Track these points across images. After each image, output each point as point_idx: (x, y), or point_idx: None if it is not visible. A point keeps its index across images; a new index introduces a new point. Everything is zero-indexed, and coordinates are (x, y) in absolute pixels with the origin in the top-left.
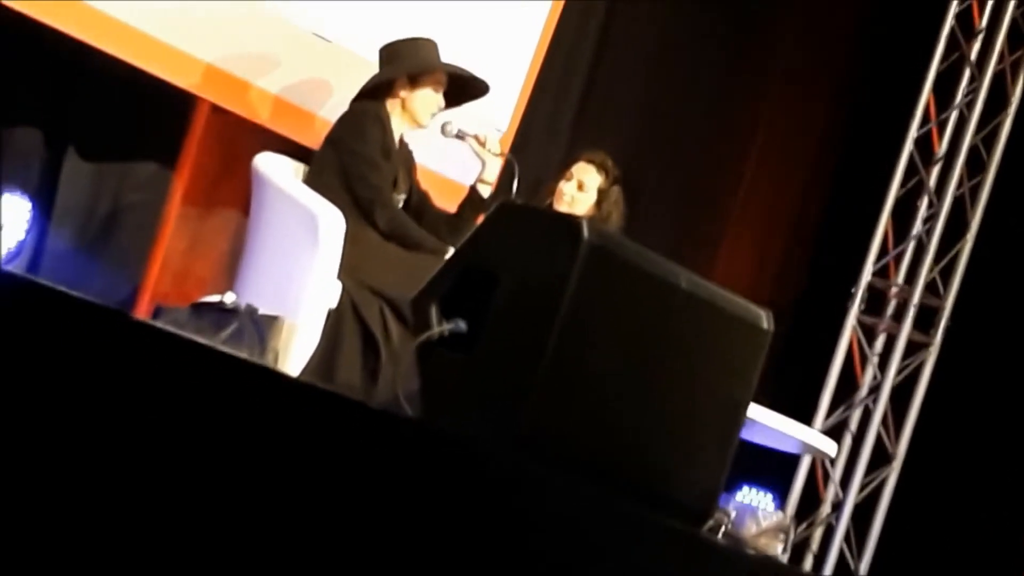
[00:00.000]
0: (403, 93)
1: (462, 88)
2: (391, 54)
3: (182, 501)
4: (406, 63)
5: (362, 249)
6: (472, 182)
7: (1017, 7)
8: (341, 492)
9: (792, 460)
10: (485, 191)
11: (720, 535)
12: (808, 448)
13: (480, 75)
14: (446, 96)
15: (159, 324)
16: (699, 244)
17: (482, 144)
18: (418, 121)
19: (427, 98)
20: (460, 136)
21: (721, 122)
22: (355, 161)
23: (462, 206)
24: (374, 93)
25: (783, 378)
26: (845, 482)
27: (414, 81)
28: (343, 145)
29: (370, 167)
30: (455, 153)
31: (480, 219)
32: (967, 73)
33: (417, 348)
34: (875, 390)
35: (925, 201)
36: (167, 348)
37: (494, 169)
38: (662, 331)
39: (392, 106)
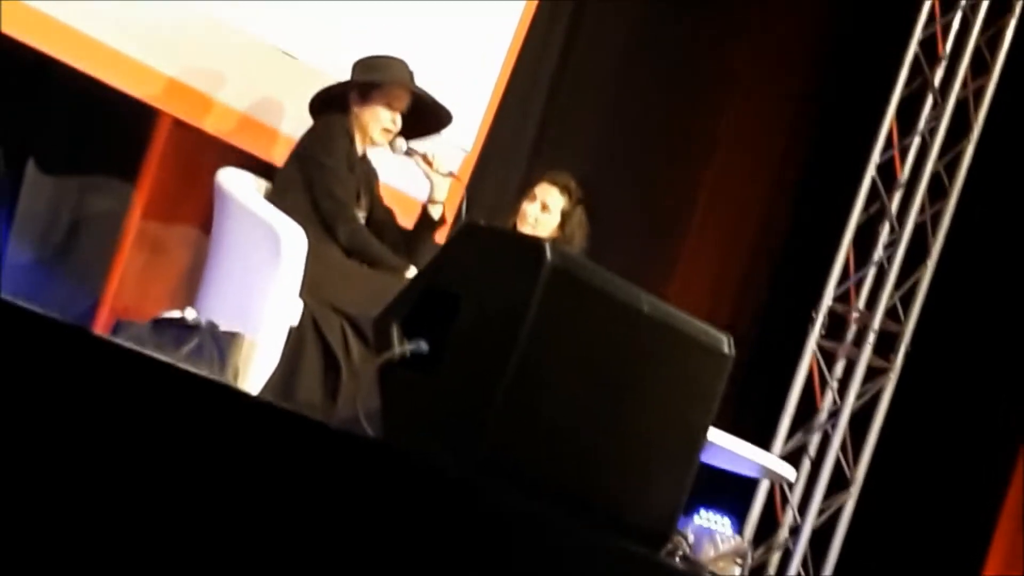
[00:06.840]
0: (355, 108)
1: (424, 116)
2: (361, 69)
3: (139, 519)
4: (360, 77)
5: (324, 267)
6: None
7: (981, 34)
8: (300, 511)
9: (751, 484)
10: (435, 211)
11: (678, 558)
12: (767, 472)
13: (446, 95)
14: (408, 127)
15: (119, 340)
16: (658, 267)
17: (429, 163)
18: (370, 137)
19: (376, 115)
20: (408, 153)
21: (681, 144)
22: (322, 174)
23: (416, 226)
24: (329, 104)
25: (742, 402)
26: (803, 507)
27: (365, 96)
28: (311, 158)
29: (336, 181)
30: (418, 171)
31: (434, 239)
32: (930, 99)
33: (378, 368)
34: (834, 415)
35: (887, 227)
36: (127, 364)
37: (443, 189)
38: (623, 354)
39: (352, 120)
